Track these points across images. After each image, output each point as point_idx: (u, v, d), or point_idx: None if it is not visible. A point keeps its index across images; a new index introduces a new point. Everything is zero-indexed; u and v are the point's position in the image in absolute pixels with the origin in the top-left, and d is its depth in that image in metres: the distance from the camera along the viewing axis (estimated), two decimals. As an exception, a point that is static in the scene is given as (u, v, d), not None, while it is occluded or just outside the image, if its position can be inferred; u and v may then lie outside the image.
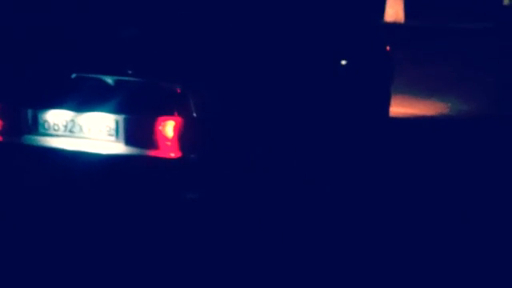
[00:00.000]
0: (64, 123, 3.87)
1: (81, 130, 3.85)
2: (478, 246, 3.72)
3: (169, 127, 3.70)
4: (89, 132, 3.84)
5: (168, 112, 3.70)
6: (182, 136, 3.70)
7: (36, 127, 3.91)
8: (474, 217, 4.14)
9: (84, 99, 3.82)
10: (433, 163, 5.15)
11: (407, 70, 8.29)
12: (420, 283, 3.35)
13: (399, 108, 6.68)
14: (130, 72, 3.88)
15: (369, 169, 5.02)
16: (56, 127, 3.89)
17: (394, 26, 14.11)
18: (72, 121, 3.86)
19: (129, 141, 3.78)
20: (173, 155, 3.71)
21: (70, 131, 3.87)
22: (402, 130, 6.15)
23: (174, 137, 3.70)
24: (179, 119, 3.69)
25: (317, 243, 3.73)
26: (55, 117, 3.88)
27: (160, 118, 3.70)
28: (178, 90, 3.72)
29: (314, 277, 3.38)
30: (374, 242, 3.75)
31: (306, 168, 4.82)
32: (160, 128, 3.71)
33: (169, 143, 3.71)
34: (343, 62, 5.14)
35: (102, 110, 3.80)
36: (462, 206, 4.32)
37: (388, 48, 6.02)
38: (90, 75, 3.84)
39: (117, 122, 3.78)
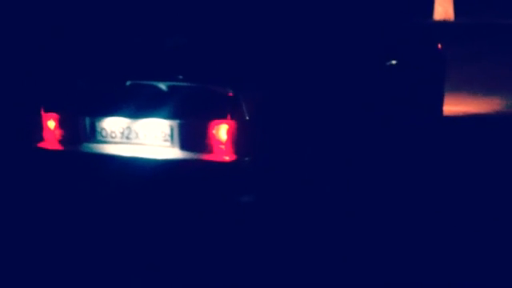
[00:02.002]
0: (121, 130, 3.96)
1: (137, 136, 3.94)
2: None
3: (222, 131, 3.74)
4: (145, 138, 3.92)
5: (221, 116, 3.75)
6: (236, 139, 3.74)
7: (94, 135, 4.02)
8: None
9: (139, 106, 3.91)
10: (487, 163, 5.04)
11: (459, 68, 8.15)
12: None
13: (453, 106, 6.57)
14: (182, 78, 3.95)
15: (422, 168, 4.95)
16: (113, 134, 3.99)
17: (443, 23, 13.89)
18: (128, 128, 3.95)
19: (183, 146, 3.84)
20: (227, 159, 3.75)
21: (127, 138, 3.96)
22: (455, 128, 6.05)
23: (227, 140, 3.74)
24: (232, 123, 3.73)
25: (376, 242, 3.71)
26: (112, 124, 3.98)
27: (213, 122, 3.75)
28: (230, 94, 3.76)
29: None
30: (433, 242, 3.71)
31: (360, 169, 4.79)
32: (213, 132, 3.76)
33: (223, 147, 3.75)
34: (395, 62, 5.10)
35: (156, 116, 3.87)
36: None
37: (440, 46, 5.95)
38: (145, 82, 3.92)
39: (171, 128, 3.85)
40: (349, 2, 5.09)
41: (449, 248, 3.61)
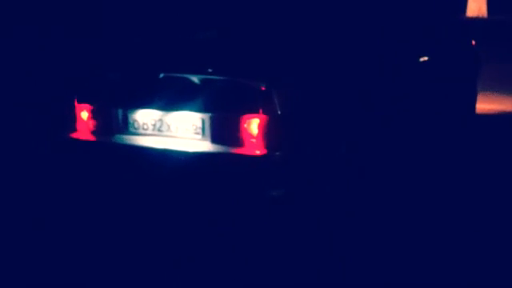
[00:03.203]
0: (152, 122, 3.99)
1: (168, 128, 3.96)
2: None
3: (254, 125, 3.74)
4: (176, 131, 3.94)
5: (253, 110, 3.74)
6: (267, 133, 3.74)
7: (126, 127, 4.05)
8: None
9: (171, 99, 3.93)
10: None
11: (493, 66, 8.03)
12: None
13: (486, 104, 6.49)
14: (215, 71, 3.95)
15: (456, 166, 4.90)
16: (145, 126, 4.01)
17: (476, 20, 13.70)
18: (160, 120, 3.97)
19: (214, 139, 3.85)
20: (258, 153, 3.75)
21: (159, 130, 3.98)
22: (489, 127, 5.96)
23: (258, 134, 3.74)
24: (264, 117, 3.73)
25: (407, 239, 3.69)
26: (144, 116, 4.00)
27: (245, 116, 3.75)
28: (263, 88, 3.75)
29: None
30: (463, 241, 3.67)
31: (391, 165, 4.76)
32: (245, 126, 3.76)
33: (254, 141, 3.75)
34: (429, 58, 5.04)
35: (188, 109, 3.89)
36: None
37: (474, 43, 5.86)
38: (177, 75, 3.93)
39: (203, 121, 3.86)
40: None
41: (463, 249, 3.57)
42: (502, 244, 3.62)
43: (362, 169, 4.34)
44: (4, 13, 7.12)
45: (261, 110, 3.73)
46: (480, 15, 14.51)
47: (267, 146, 3.74)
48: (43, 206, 4.27)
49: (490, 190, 4.44)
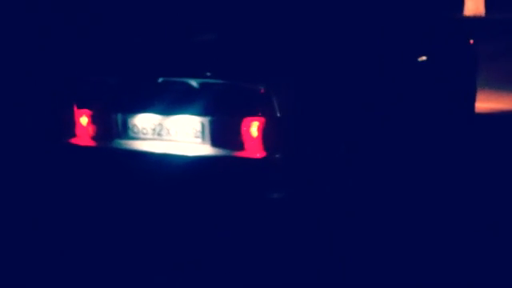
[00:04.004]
0: (152, 127, 3.99)
1: (168, 132, 3.96)
2: None
3: (253, 127, 3.74)
4: (176, 135, 3.94)
5: (252, 112, 3.74)
6: (267, 136, 3.73)
7: (126, 131, 4.04)
8: None
9: (170, 103, 3.92)
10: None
11: (491, 65, 8.03)
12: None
13: (485, 103, 6.48)
14: (213, 74, 3.95)
15: (455, 165, 4.90)
16: (144, 131, 4.01)
17: (474, 19, 13.70)
18: (160, 124, 3.97)
19: (214, 142, 3.85)
20: (258, 155, 3.75)
21: (158, 134, 3.98)
22: (488, 125, 5.96)
23: (258, 137, 3.74)
24: (263, 119, 3.73)
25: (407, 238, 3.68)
26: (143, 121, 4.00)
27: (244, 119, 3.75)
28: (262, 91, 3.75)
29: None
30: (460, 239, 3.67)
31: (391, 164, 4.75)
32: (245, 129, 3.75)
33: (254, 143, 3.75)
34: (427, 57, 5.04)
35: (187, 113, 3.88)
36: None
37: (471, 41, 5.86)
38: (176, 79, 3.93)
39: (202, 125, 3.86)
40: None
41: (459, 248, 3.57)
42: (501, 243, 3.62)
43: (361, 169, 4.34)
44: (4, 12, 7.11)
45: (260, 113, 3.73)
46: (477, 14, 14.52)
47: (267, 149, 3.74)
48: (43, 211, 4.27)
49: (489, 188, 4.44)
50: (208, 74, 3.96)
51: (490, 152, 5.20)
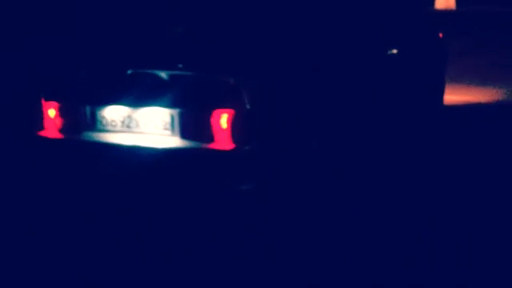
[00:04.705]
0: (121, 119, 3.97)
1: (137, 125, 3.94)
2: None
3: (223, 119, 3.75)
4: (145, 127, 3.92)
5: (222, 104, 3.75)
6: (236, 128, 3.74)
7: (94, 124, 4.02)
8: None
9: (140, 95, 3.91)
10: (486, 152, 5.04)
11: (460, 58, 8.14)
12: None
13: (454, 96, 6.58)
14: (183, 66, 3.95)
15: (423, 157, 4.96)
16: (113, 123, 3.99)
17: (444, 13, 13.85)
18: (129, 116, 3.95)
19: (184, 134, 3.85)
20: (227, 147, 3.75)
21: (127, 126, 3.96)
22: (457, 117, 6.05)
23: (228, 129, 3.75)
24: (233, 111, 3.73)
25: (370, 232, 3.73)
26: (112, 113, 3.98)
27: (214, 111, 3.75)
28: (231, 83, 3.76)
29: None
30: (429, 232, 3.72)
31: (359, 157, 4.80)
32: (214, 120, 3.76)
33: (223, 135, 3.75)
34: (396, 50, 5.09)
35: (157, 105, 3.87)
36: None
37: (441, 35, 5.93)
38: (145, 71, 3.92)
39: (172, 116, 3.86)
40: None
41: (447, 246, 3.62)
42: (472, 238, 3.68)
43: (332, 162, 4.37)
44: None
45: (230, 105, 3.74)
46: (448, 7, 14.68)
47: (236, 141, 3.75)
48: (11, 205, 4.22)
49: (456, 180, 4.51)
50: (178, 65, 3.95)
51: (457, 142, 5.28)
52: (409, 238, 3.62)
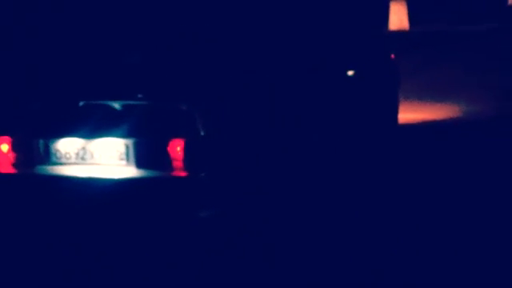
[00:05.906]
0: (75, 151, 3.94)
1: (92, 156, 3.92)
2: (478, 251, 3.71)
3: (177, 147, 3.75)
4: (100, 158, 3.90)
5: (175, 132, 3.76)
6: (191, 155, 3.75)
7: (48, 157, 3.98)
8: (479, 222, 4.13)
9: (93, 126, 3.90)
10: (443, 167, 5.15)
11: (415, 76, 8.31)
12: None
13: (408, 114, 6.70)
14: (136, 96, 3.95)
15: (379, 176, 5.03)
16: (68, 155, 3.96)
17: (398, 33, 14.14)
18: (83, 148, 3.92)
19: (139, 164, 3.84)
20: (183, 175, 3.76)
21: (82, 158, 3.93)
22: (411, 135, 6.16)
23: (183, 157, 3.75)
24: (187, 139, 3.74)
25: (324, 247, 3.76)
26: (66, 145, 3.95)
27: (168, 139, 3.76)
28: (184, 110, 3.78)
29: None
30: (377, 244, 3.77)
31: (316, 179, 4.84)
32: (168, 149, 3.76)
33: (178, 163, 3.76)
34: (350, 72, 5.18)
35: (111, 136, 3.86)
36: (469, 212, 4.31)
37: (393, 56, 6.06)
38: (98, 102, 3.92)
39: (127, 146, 3.85)
40: (305, 12, 5.15)
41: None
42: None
43: (291, 183, 4.40)
44: None
45: (183, 132, 3.75)
46: (402, 28, 14.98)
47: (191, 168, 3.76)
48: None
49: (408, 192, 4.59)
50: (130, 95, 3.96)
51: (411, 159, 5.38)
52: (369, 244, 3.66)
